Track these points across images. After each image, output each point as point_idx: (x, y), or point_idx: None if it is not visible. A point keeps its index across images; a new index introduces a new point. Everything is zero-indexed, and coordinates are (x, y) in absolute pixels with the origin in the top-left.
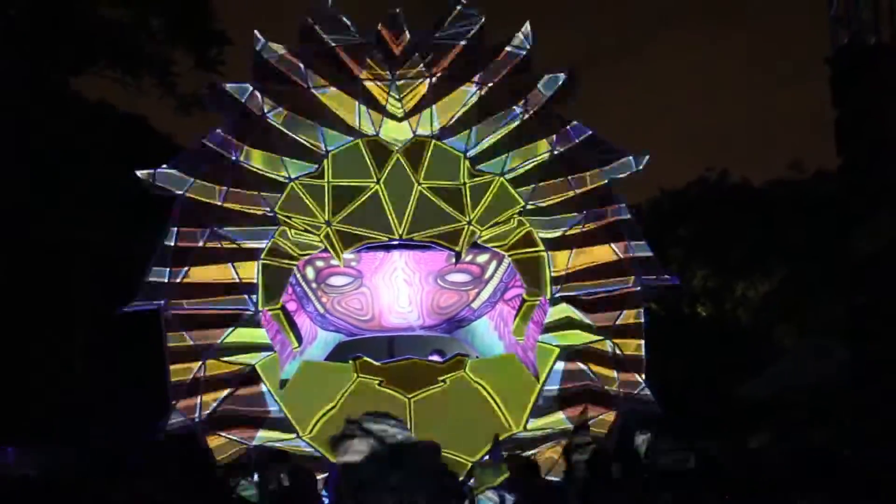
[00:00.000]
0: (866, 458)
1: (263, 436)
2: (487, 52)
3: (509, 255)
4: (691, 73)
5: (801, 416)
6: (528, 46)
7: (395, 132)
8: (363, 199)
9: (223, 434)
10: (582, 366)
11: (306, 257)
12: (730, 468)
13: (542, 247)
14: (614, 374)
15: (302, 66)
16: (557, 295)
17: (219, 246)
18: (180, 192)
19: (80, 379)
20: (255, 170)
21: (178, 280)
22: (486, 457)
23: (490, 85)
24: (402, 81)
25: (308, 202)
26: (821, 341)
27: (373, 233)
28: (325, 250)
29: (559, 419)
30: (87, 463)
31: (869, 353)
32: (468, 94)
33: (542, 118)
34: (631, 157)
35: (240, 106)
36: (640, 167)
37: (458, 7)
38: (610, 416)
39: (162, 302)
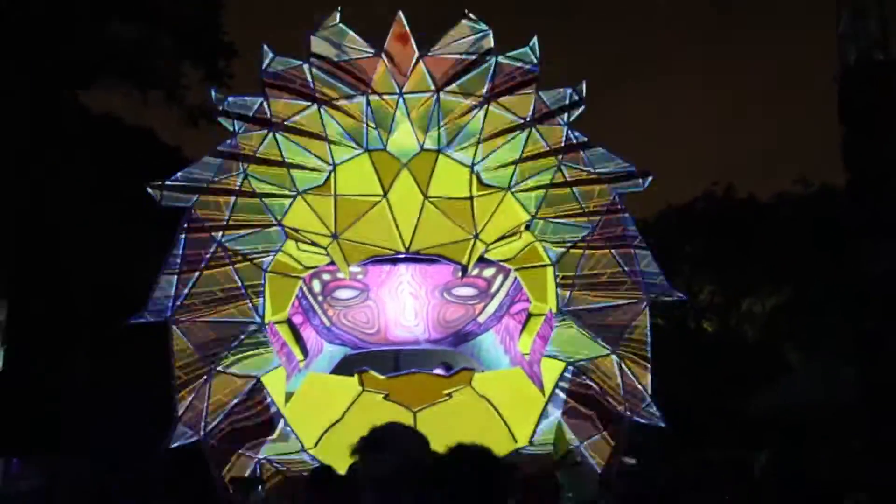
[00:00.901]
0: (869, 480)
1: (268, 449)
2: (495, 66)
3: (515, 269)
4: (700, 88)
5: (805, 435)
6: (535, 61)
7: (402, 146)
8: (370, 212)
9: (228, 447)
10: (587, 381)
11: (312, 270)
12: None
13: (548, 261)
14: (620, 388)
15: (310, 79)
16: (564, 309)
17: (226, 258)
18: (188, 205)
19: (84, 386)
20: (262, 182)
21: (185, 292)
22: None
23: (497, 99)
24: (409, 96)
25: (315, 215)
26: (828, 361)
27: (379, 246)
28: (332, 263)
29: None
30: (93, 474)
31: (875, 374)
32: (475, 108)
33: (548, 133)
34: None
35: (248, 119)
36: (646, 185)
37: (466, 22)
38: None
39: (168, 314)
